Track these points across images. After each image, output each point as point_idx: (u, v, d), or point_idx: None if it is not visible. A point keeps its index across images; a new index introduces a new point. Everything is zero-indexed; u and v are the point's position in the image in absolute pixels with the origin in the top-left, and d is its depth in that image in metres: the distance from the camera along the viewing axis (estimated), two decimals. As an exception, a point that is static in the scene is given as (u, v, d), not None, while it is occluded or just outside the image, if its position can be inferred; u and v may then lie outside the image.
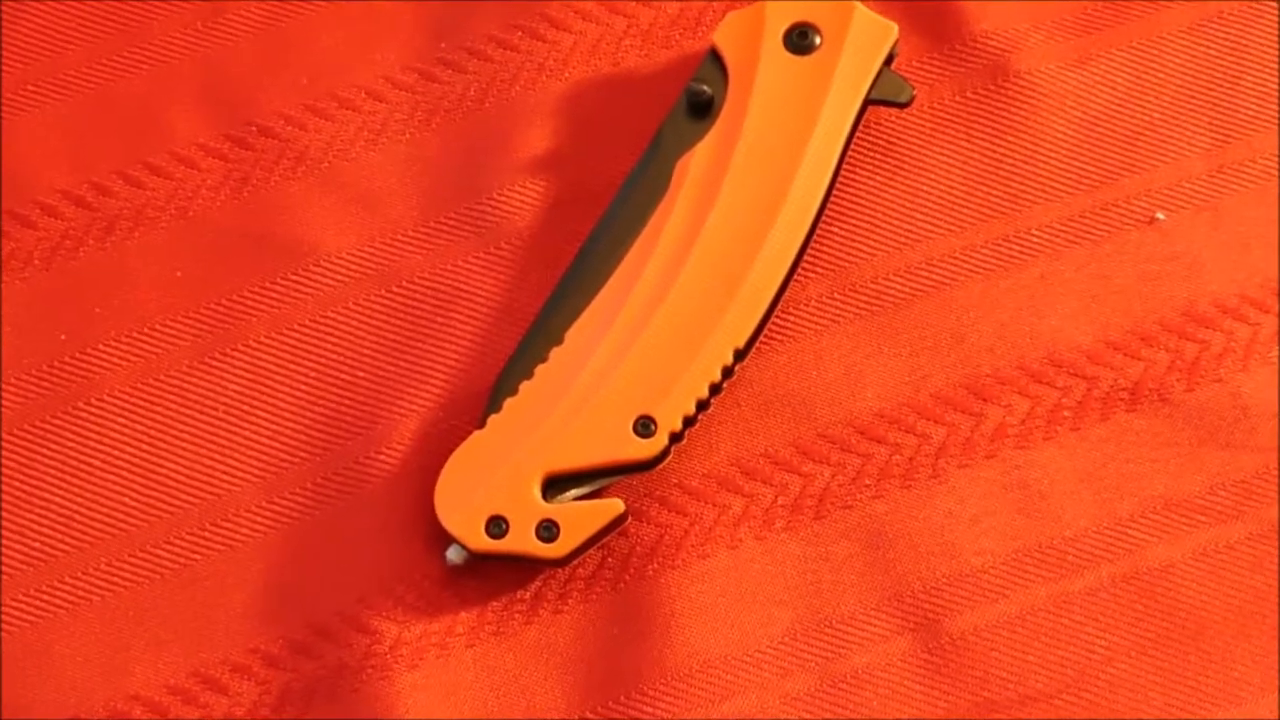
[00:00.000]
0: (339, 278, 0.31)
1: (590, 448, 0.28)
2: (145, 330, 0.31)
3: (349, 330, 0.31)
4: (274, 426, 0.30)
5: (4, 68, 0.33)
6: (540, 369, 0.29)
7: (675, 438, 0.28)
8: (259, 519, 0.30)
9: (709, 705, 0.29)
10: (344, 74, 0.33)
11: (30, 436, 0.30)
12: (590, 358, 0.29)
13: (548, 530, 0.28)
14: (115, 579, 0.29)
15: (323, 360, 0.31)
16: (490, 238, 0.31)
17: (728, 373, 0.29)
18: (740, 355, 0.29)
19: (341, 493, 0.30)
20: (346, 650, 0.29)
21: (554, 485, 0.28)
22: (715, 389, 0.29)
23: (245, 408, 0.30)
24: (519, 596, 0.29)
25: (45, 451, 0.30)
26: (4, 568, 0.29)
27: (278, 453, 0.30)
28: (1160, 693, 0.28)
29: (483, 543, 0.28)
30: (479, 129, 0.32)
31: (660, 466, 0.29)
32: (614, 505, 0.28)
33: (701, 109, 0.30)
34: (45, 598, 0.29)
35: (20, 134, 0.32)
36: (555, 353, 0.29)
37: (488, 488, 0.28)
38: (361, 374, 0.31)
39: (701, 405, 0.29)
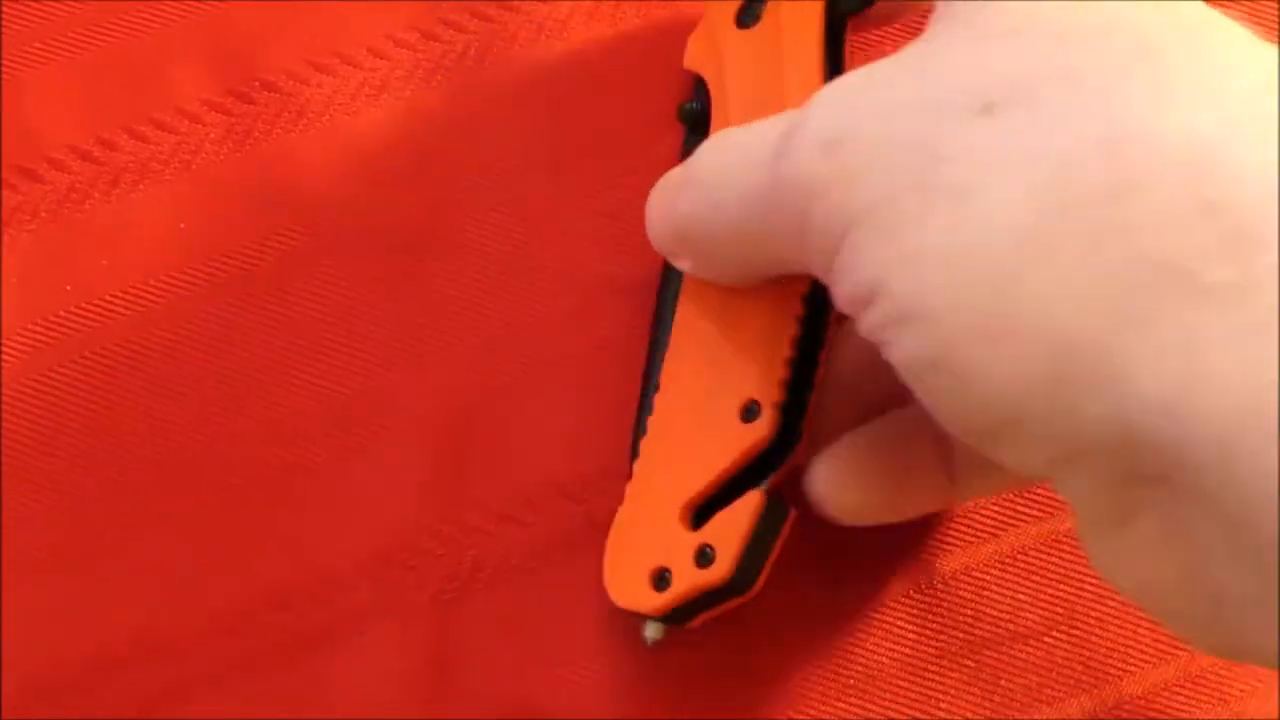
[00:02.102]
0: (339, 230, 0.32)
1: (708, 458, 0.26)
2: (150, 281, 0.31)
3: (350, 281, 0.31)
4: (279, 376, 0.31)
5: (12, 26, 0.33)
6: (645, 442, 0.28)
7: (782, 409, 0.26)
8: (266, 470, 0.30)
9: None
10: (347, 31, 0.33)
11: (36, 386, 0.31)
12: (678, 384, 0.28)
13: (704, 556, 0.26)
14: (125, 531, 0.30)
15: (322, 309, 0.31)
16: (490, 194, 0.32)
17: (810, 342, 0.27)
18: (809, 327, 0.27)
19: (347, 444, 0.30)
20: (354, 595, 0.29)
21: (699, 517, 0.27)
22: (796, 343, 0.26)
23: (250, 357, 0.31)
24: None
25: (53, 401, 0.31)
26: (8, 516, 0.30)
27: (283, 402, 0.30)
28: (1149, 628, 0.29)
29: (658, 603, 0.26)
30: (479, 87, 0.33)
31: (800, 440, 0.27)
32: (751, 497, 0.26)
33: (699, 122, 0.30)
34: (49, 548, 0.30)
35: (28, 90, 0.33)
36: (652, 417, 0.28)
37: (641, 548, 0.27)
38: (361, 323, 0.31)
39: (800, 373, 0.26)
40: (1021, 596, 0.29)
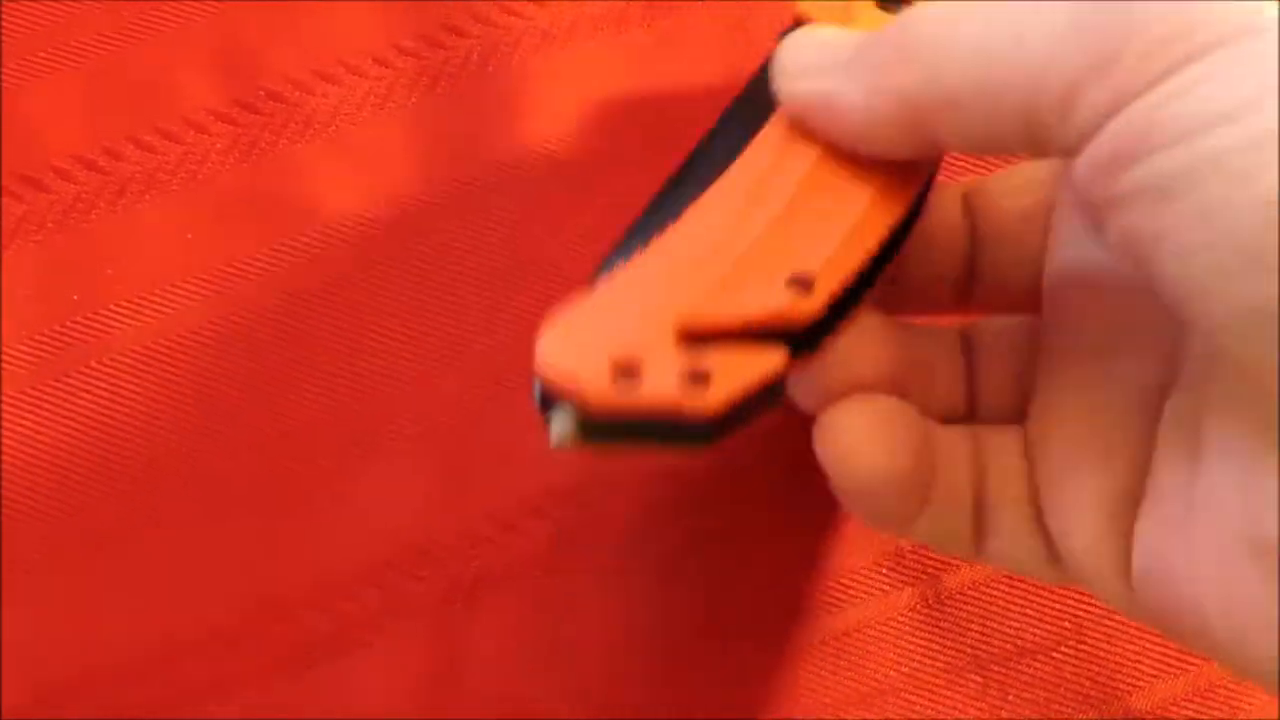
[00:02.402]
0: (345, 239, 0.32)
1: (735, 298, 0.22)
2: (156, 290, 0.31)
3: (355, 290, 0.31)
4: (283, 385, 0.31)
5: (17, 35, 0.33)
6: (658, 240, 0.23)
7: (835, 306, 0.22)
8: (270, 476, 0.30)
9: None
10: (351, 41, 0.33)
11: (45, 394, 0.31)
12: (721, 218, 0.23)
13: (696, 378, 0.21)
14: (127, 537, 0.30)
15: (330, 320, 0.31)
16: (494, 199, 0.32)
17: (887, 251, 0.23)
18: (898, 234, 0.23)
19: (352, 453, 0.30)
20: (358, 604, 0.29)
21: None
22: (876, 262, 0.23)
23: (255, 366, 0.31)
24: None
25: (59, 408, 0.31)
26: (14, 524, 0.30)
27: (287, 412, 0.31)
28: (1158, 642, 0.29)
29: (608, 396, 0.21)
30: (483, 94, 0.33)
31: (816, 353, 0.23)
32: (775, 352, 0.22)
33: None
34: (54, 553, 0.30)
35: (34, 100, 0.33)
36: (675, 225, 0.23)
37: (611, 332, 0.22)
38: (368, 333, 0.31)
39: (863, 279, 0.23)
40: (1029, 612, 0.29)
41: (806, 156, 0.23)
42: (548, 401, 0.21)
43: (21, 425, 0.30)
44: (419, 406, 0.30)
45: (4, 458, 0.30)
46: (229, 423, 0.31)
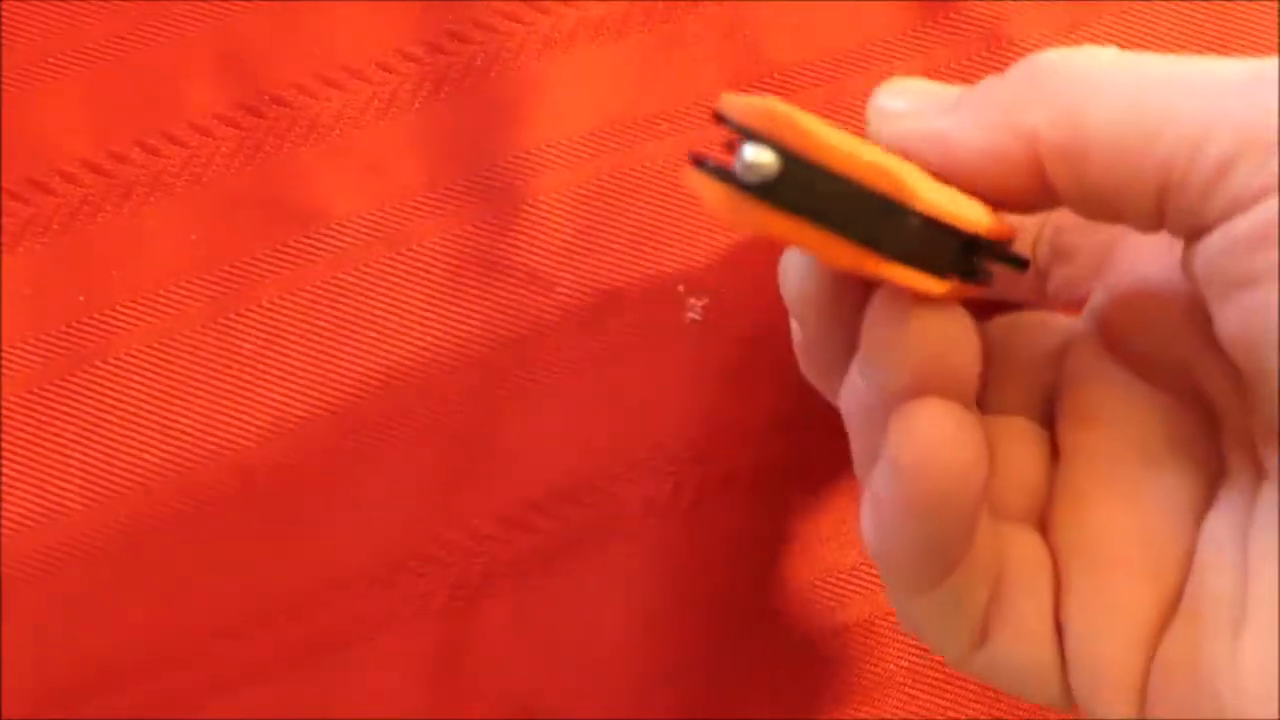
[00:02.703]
0: (349, 242, 0.32)
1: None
2: (161, 292, 0.32)
3: (359, 292, 0.32)
4: (288, 385, 0.31)
5: (22, 39, 0.33)
6: None
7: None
8: (273, 475, 0.30)
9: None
10: (355, 45, 0.33)
11: (52, 393, 0.31)
12: None
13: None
14: (134, 534, 0.30)
15: (335, 322, 0.31)
16: (496, 202, 0.32)
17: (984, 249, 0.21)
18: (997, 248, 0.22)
19: (356, 453, 0.31)
20: (364, 600, 0.29)
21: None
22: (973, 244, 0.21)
23: (259, 367, 0.31)
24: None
25: (66, 408, 0.31)
26: (21, 522, 0.30)
27: (292, 410, 0.31)
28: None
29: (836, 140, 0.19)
30: (486, 98, 0.33)
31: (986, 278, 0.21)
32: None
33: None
34: (65, 553, 0.30)
35: (40, 104, 0.33)
36: None
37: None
38: (372, 335, 0.31)
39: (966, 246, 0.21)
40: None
41: None
42: (749, 136, 0.19)
43: (26, 426, 0.31)
44: (423, 405, 0.31)
45: (7, 459, 0.30)
46: (230, 422, 0.31)
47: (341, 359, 0.31)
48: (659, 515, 0.30)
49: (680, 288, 0.31)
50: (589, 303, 0.31)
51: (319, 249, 0.32)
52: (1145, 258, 0.23)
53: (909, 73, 0.33)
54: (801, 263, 0.23)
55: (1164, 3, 0.33)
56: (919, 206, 0.19)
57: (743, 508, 0.30)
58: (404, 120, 0.33)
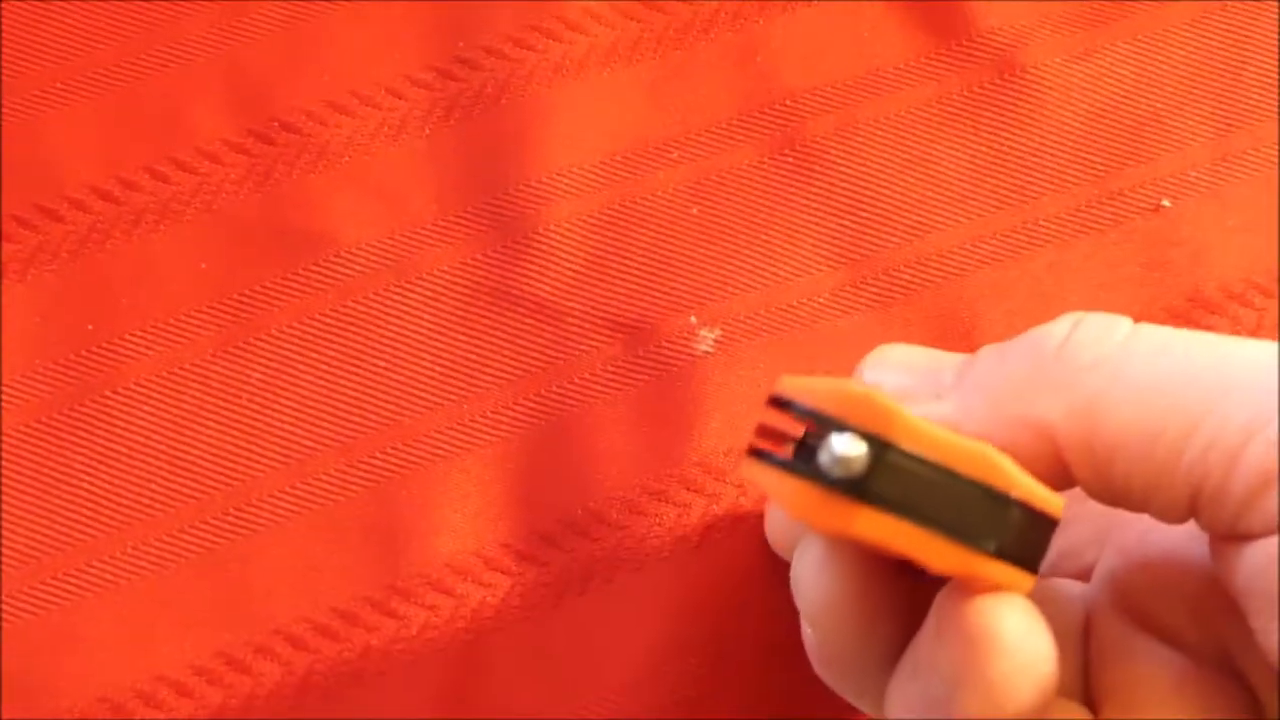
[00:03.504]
0: (359, 270, 0.32)
1: None
2: (171, 320, 0.31)
3: (369, 320, 0.31)
4: (296, 413, 0.31)
5: (34, 67, 0.33)
6: None
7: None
8: (282, 504, 0.30)
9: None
10: (365, 72, 0.33)
11: (60, 423, 0.31)
12: None
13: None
14: (142, 562, 0.30)
15: (344, 350, 0.31)
16: (507, 231, 0.32)
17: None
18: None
19: (365, 482, 0.30)
20: (374, 633, 0.29)
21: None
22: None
23: (269, 395, 0.31)
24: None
25: (74, 437, 0.31)
26: (33, 551, 0.30)
27: (301, 440, 0.31)
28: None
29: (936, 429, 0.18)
30: (496, 125, 0.33)
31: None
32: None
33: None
34: (73, 581, 0.30)
35: (50, 131, 0.33)
36: None
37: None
38: (382, 364, 0.31)
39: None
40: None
41: None
42: (827, 423, 0.17)
43: (34, 456, 0.30)
44: (435, 434, 0.31)
45: (13, 490, 0.30)
46: (239, 453, 0.31)
47: (351, 388, 0.31)
48: (669, 549, 0.30)
49: (692, 318, 0.31)
50: (599, 333, 0.31)
51: (329, 277, 0.32)
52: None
53: (920, 101, 0.33)
54: (820, 564, 0.20)
55: (1178, 32, 0.33)
56: (1016, 494, 0.18)
57: (753, 542, 0.30)
58: (414, 147, 0.33)
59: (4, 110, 0.33)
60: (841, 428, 0.17)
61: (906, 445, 0.17)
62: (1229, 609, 0.19)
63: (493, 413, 0.31)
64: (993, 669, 0.18)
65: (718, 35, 0.33)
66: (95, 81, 0.33)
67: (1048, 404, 0.18)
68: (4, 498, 0.30)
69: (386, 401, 0.31)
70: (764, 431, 0.19)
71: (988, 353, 0.20)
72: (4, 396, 0.31)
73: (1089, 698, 0.22)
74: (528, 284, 0.32)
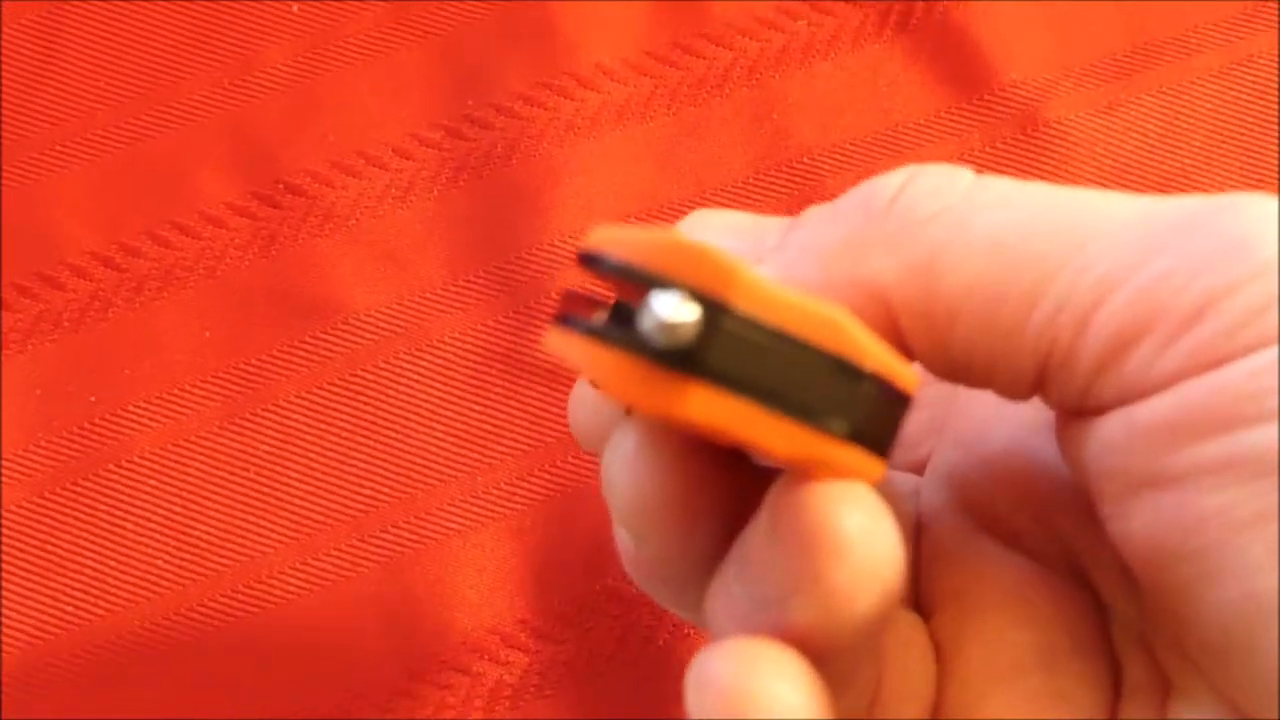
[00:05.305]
0: (368, 337, 0.31)
1: None
2: (175, 391, 0.31)
3: (379, 389, 0.31)
4: (306, 487, 0.30)
5: (31, 131, 0.33)
6: None
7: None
8: (292, 581, 0.29)
9: None
10: (371, 132, 0.32)
11: (62, 499, 0.30)
12: None
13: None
14: (147, 642, 0.29)
15: (354, 421, 0.30)
16: (520, 296, 0.31)
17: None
18: None
19: (377, 557, 0.30)
20: (388, 713, 0.28)
21: None
22: None
23: (276, 468, 0.30)
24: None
25: (76, 514, 0.30)
26: (37, 631, 0.29)
27: (310, 514, 0.30)
28: None
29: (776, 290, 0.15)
30: (507, 186, 0.32)
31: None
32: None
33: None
34: (77, 663, 0.29)
35: (49, 196, 0.32)
36: None
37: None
38: (393, 435, 0.30)
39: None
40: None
41: None
42: (655, 281, 0.14)
43: (35, 532, 0.30)
44: (448, 507, 0.30)
45: (13, 567, 0.29)
46: (249, 526, 0.30)
47: (361, 461, 0.30)
48: (689, 624, 0.29)
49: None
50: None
51: (336, 345, 0.31)
52: (1003, 409, 0.19)
53: (941, 157, 0.32)
54: (635, 455, 0.17)
55: (1205, 84, 0.32)
56: (869, 366, 0.15)
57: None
58: (423, 209, 0.32)
59: (3, 174, 0.32)
60: (666, 286, 0.14)
61: (745, 308, 0.14)
62: (1074, 507, 0.18)
63: (507, 484, 0.30)
64: (834, 572, 0.15)
65: (733, 91, 0.33)
66: (95, 143, 0.33)
67: (880, 262, 0.16)
68: (4, 577, 0.29)
69: (398, 474, 0.30)
70: (572, 297, 0.17)
71: (815, 211, 0.17)
72: (4, 471, 0.30)
73: (919, 604, 0.20)
74: (541, 351, 0.31)
